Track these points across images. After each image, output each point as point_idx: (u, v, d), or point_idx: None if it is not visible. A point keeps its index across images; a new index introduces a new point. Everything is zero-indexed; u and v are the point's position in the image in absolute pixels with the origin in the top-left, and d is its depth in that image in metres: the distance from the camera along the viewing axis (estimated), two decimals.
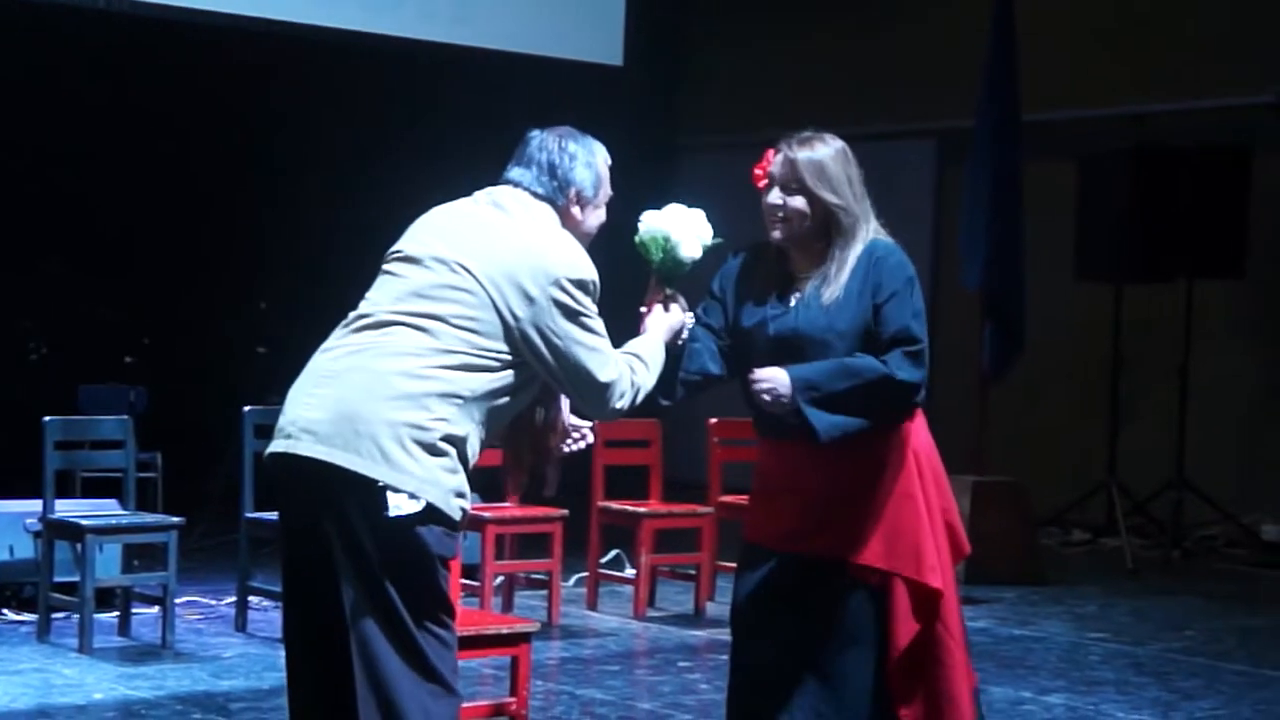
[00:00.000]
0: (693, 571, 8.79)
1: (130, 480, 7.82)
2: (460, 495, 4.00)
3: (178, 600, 7.70)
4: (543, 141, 4.24)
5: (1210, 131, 11.58)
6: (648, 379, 4.27)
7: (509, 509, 8.34)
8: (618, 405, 4.17)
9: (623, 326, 4.39)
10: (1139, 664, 7.81)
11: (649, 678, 7.35)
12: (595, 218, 4.29)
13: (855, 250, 4.52)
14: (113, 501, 8.08)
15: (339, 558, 3.92)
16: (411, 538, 3.91)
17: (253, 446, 7.98)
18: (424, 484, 3.91)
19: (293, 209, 12.83)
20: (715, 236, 4.51)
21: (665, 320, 4.44)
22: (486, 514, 8.10)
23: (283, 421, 4.04)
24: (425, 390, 3.95)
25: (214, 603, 8.44)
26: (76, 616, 7.37)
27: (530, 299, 4.02)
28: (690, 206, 4.54)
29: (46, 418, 7.62)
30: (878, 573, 4.48)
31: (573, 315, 4.06)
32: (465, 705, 5.73)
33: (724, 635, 4.88)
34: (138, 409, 9.65)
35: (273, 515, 7.72)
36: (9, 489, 8.31)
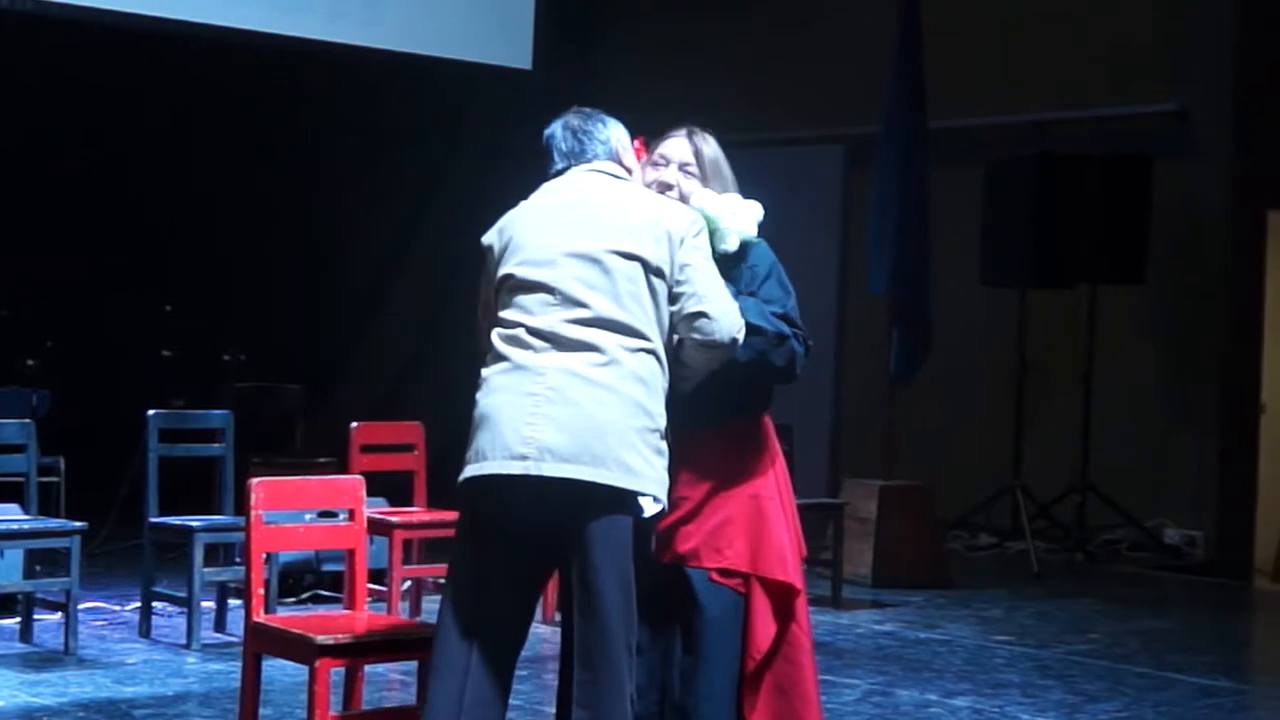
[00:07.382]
0: None
1: (32, 485, 7.71)
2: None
3: (80, 606, 7.61)
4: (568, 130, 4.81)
5: (1114, 139, 11.70)
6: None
7: (416, 513, 8.30)
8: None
9: None
10: (1044, 666, 7.86)
11: (556, 682, 7.31)
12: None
13: None
14: (14, 506, 7.98)
15: (582, 559, 4.16)
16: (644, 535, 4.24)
17: (157, 450, 7.90)
18: (660, 485, 4.20)
19: (198, 210, 12.73)
20: (758, 237, 4.55)
21: None
22: (393, 518, 8.06)
23: (506, 443, 4.12)
24: (645, 389, 4.18)
25: (117, 608, 8.37)
26: None
27: (667, 258, 4.24)
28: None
29: None
30: (740, 576, 4.52)
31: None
32: (372, 710, 5.70)
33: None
34: (40, 412, 9.53)
35: (176, 520, 7.71)
36: None
